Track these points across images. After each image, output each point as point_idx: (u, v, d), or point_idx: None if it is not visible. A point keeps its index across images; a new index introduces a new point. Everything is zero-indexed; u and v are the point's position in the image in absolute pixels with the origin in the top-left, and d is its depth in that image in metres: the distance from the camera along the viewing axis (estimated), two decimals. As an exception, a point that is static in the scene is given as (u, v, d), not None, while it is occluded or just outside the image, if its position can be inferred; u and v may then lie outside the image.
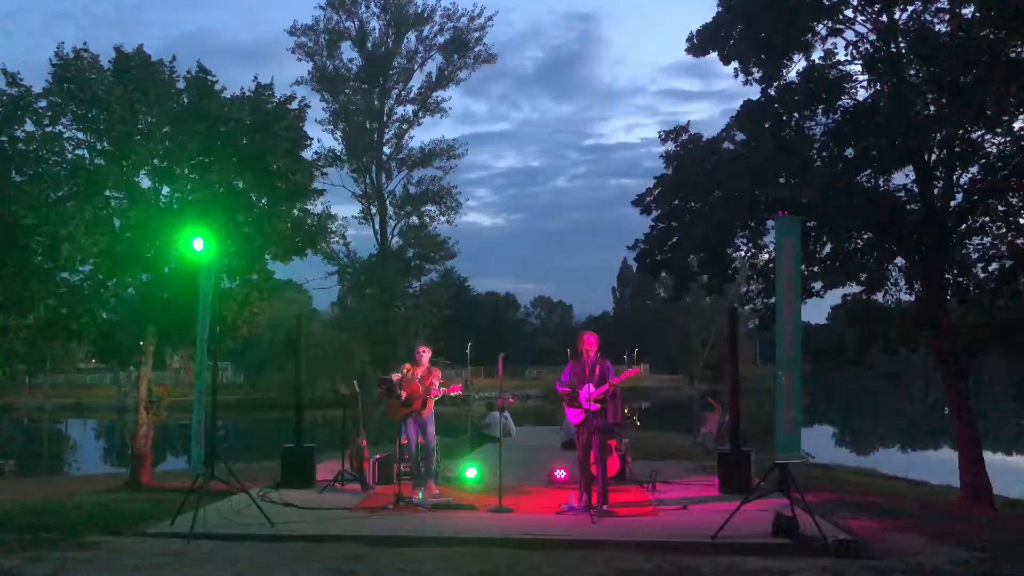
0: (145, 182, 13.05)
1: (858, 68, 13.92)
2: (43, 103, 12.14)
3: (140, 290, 13.12)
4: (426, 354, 10.38)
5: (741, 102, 14.64)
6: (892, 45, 13.61)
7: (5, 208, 11.46)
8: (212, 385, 9.05)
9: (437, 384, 10.05)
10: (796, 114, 14.21)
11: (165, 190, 13.23)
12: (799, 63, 14.36)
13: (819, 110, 14.06)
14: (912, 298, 13.94)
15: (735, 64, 14.54)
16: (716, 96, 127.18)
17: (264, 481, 10.98)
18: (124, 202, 12.83)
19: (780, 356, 7.65)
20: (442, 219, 53.51)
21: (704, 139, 14.99)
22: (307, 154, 14.07)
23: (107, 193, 12.52)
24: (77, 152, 12.53)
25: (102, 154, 12.57)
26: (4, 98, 11.95)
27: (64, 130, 12.39)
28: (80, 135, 12.55)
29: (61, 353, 49.77)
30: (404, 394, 10.05)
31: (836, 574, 6.47)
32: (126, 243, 12.41)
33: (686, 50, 15.06)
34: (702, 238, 14.39)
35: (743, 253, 15.17)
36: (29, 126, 12.09)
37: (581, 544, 7.44)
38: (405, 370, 10.24)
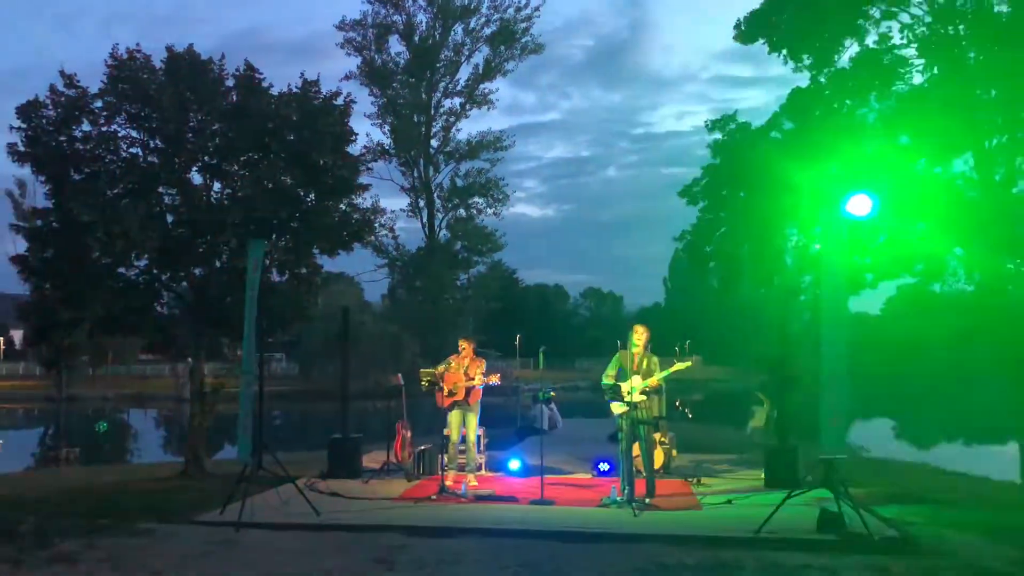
0: (196, 179, 13.32)
1: (913, 52, 13.59)
2: (99, 103, 12.48)
3: (193, 284, 13.43)
4: (468, 346, 10.44)
5: (791, 89, 14.43)
6: (950, 27, 13.23)
7: (64, 206, 11.84)
8: (259, 377, 9.19)
9: (479, 375, 10.11)
10: (848, 100, 13.92)
11: (216, 186, 13.50)
12: (851, 48, 14.07)
13: (872, 96, 13.75)
14: (971, 288, 13.58)
15: (784, 51, 14.31)
16: (770, 82, 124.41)
17: (313, 471, 11.19)
18: (176, 198, 13.13)
19: (825, 349, 7.51)
20: (489, 211, 53.76)
21: (752, 128, 14.79)
22: (355, 148, 14.21)
23: (160, 190, 12.82)
24: (131, 150, 12.83)
25: (155, 152, 12.88)
26: (63, 99, 12.32)
27: (119, 129, 12.71)
28: (134, 133, 12.85)
29: (121, 346, 51.37)
30: (447, 386, 10.15)
31: (882, 571, 6.32)
32: (179, 239, 12.70)
33: (734, 38, 14.88)
34: (751, 228, 14.23)
35: (791, 244, 14.95)
36: (86, 126, 12.44)
37: (622, 537, 7.41)
38: (451, 361, 10.34)
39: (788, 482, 9.27)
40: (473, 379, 10.06)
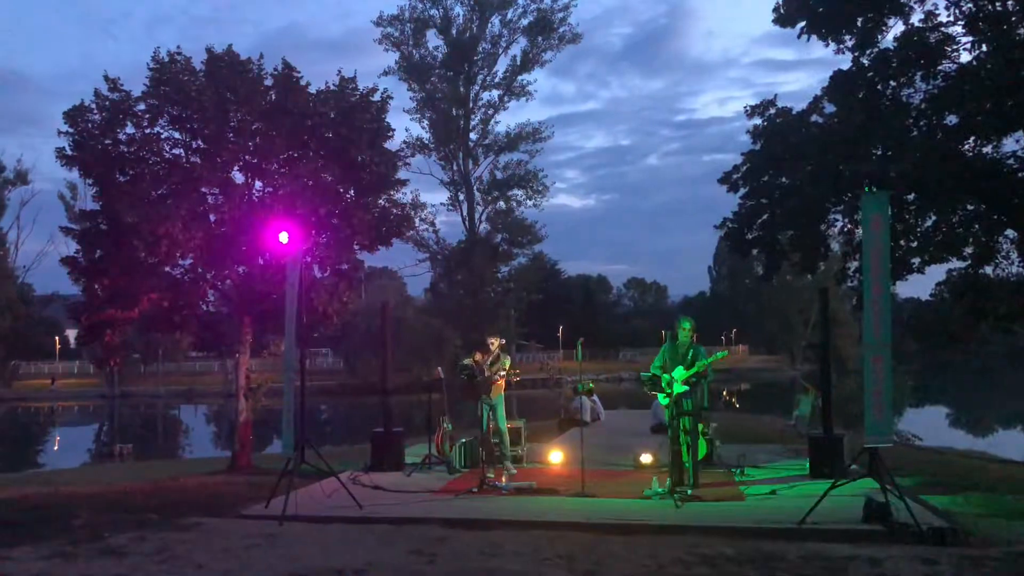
0: (238, 177, 13.53)
1: (960, 29, 13.18)
2: (142, 106, 12.74)
3: (237, 282, 13.65)
4: (496, 344, 10.56)
5: (833, 71, 14.09)
6: (997, 3, 12.82)
7: (110, 208, 12.12)
8: (302, 372, 9.31)
9: (499, 370, 10.28)
10: (892, 82, 13.56)
11: (257, 184, 13.70)
12: (895, 27, 13.69)
13: (917, 76, 13.37)
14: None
15: (825, 32, 13.98)
16: (814, 65, 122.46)
17: (357, 464, 11.32)
18: (219, 198, 13.34)
19: (868, 337, 7.35)
20: (529, 203, 53.79)
21: (793, 112, 14.49)
22: (394, 143, 14.30)
23: (203, 190, 13.05)
24: (174, 151, 13.10)
25: (197, 152, 13.11)
26: (107, 103, 12.61)
27: (161, 131, 12.98)
28: (176, 135, 13.11)
29: (171, 343, 52.50)
30: (468, 379, 10.36)
31: (930, 563, 6.17)
32: (222, 237, 12.91)
33: (773, 20, 14.56)
34: (792, 215, 13.96)
35: (837, 229, 14.65)
36: (130, 128, 12.72)
37: (663, 529, 7.36)
38: (476, 355, 10.49)
39: (833, 472, 9.13)
40: (494, 374, 10.29)
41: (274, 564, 6.35)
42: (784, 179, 14.13)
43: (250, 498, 8.98)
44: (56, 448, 31.71)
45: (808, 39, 13.93)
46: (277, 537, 7.29)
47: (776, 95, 14.66)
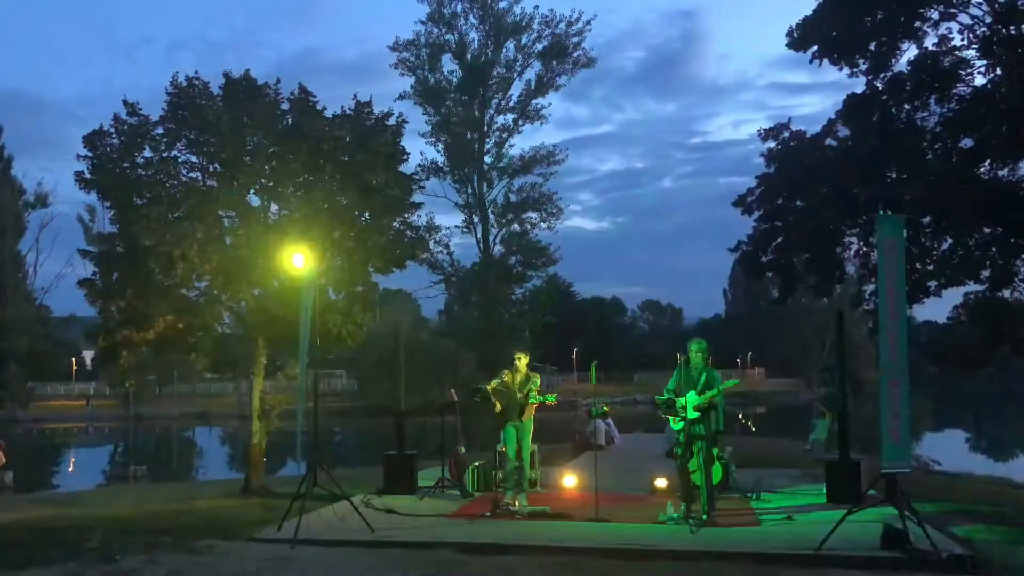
0: (254, 201, 13.62)
1: (974, 53, 13.18)
2: (160, 130, 12.89)
3: (251, 304, 13.70)
4: (523, 360, 10.19)
5: (848, 93, 14.12)
6: (1011, 27, 12.82)
7: (127, 230, 12.23)
8: (315, 395, 9.31)
9: (535, 392, 9.89)
10: (907, 105, 13.57)
11: (273, 208, 13.78)
12: (908, 51, 13.72)
13: (932, 100, 13.38)
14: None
15: (838, 57, 14.02)
16: (828, 88, 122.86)
17: (370, 487, 11.27)
18: (235, 220, 13.43)
19: (885, 361, 7.28)
20: (543, 225, 53.81)
21: (807, 135, 14.51)
22: (409, 166, 14.38)
23: (219, 212, 13.14)
24: (191, 175, 13.21)
25: (214, 175, 13.22)
26: (126, 127, 12.76)
27: (179, 154, 13.11)
28: (193, 158, 13.23)
29: (186, 365, 52.71)
30: (498, 403, 9.93)
31: (950, 591, 6.09)
32: (237, 260, 12.98)
33: (787, 45, 14.63)
34: (807, 238, 13.92)
35: (852, 252, 14.59)
36: (147, 152, 12.86)
37: (678, 554, 7.28)
38: (505, 375, 10.07)
39: (850, 497, 9.01)
40: (528, 397, 9.83)
41: (286, 588, 6.33)
42: (799, 202, 14.12)
43: (263, 521, 8.95)
44: (71, 469, 31.82)
45: (820, 63, 13.98)
46: (289, 561, 7.26)
47: (790, 118, 14.70)
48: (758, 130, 14.83)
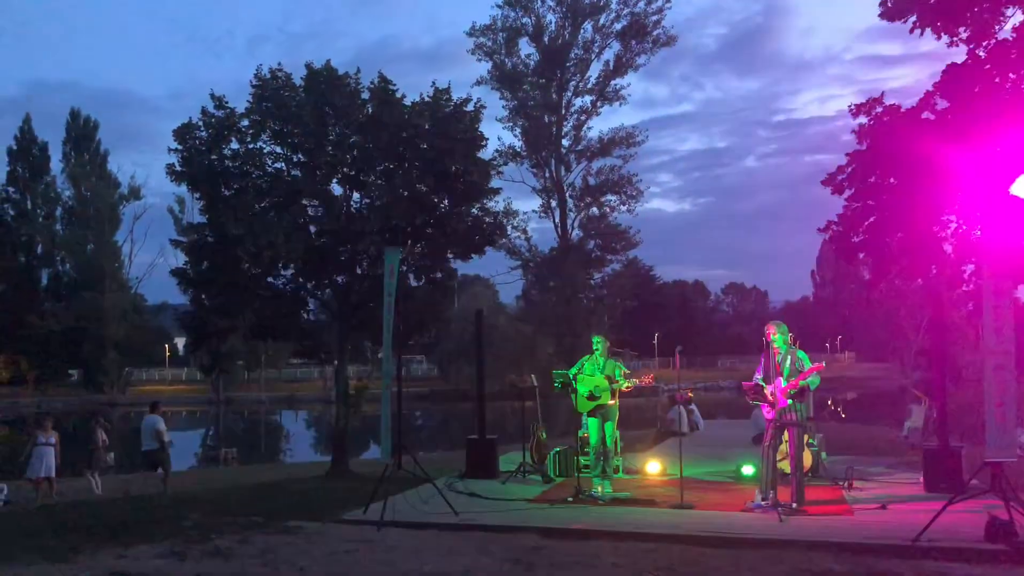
0: (336, 190, 13.88)
1: (1087, 14, 12.32)
2: (245, 122, 13.23)
3: (336, 291, 13.98)
4: (602, 345, 10.07)
5: (947, 64, 13.39)
6: None
7: (216, 221, 12.62)
8: (399, 379, 9.41)
9: (619, 377, 9.72)
10: (1012, 74, 12.78)
11: (355, 196, 14.02)
12: (1014, 17, 12.91)
13: (1040, 66, 12.57)
14: None
15: (940, 26, 13.29)
16: (922, 59, 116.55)
17: (451, 470, 11.38)
18: (319, 210, 13.71)
19: (987, 341, 6.90)
20: (623, 208, 53.17)
21: (902, 109, 13.84)
22: (487, 153, 14.41)
23: (303, 202, 13.44)
24: (276, 165, 13.55)
25: (297, 166, 13.51)
26: (213, 120, 13.14)
27: (264, 145, 13.44)
28: (278, 149, 13.56)
29: (273, 350, 54.40)
30: (579, 388, 9.81)
31: (1062, 588, 5.74)
32: (321, 248, 13.25)
33: (880, 15, 13.94)
34: (903, 216, 13.31)
35: (950, 232, 13.89)
36: (234, 144, 13.23)
37: (766, 543, 7.07)
38: (585, 362, 9.96)
39: (950, 487, 8.62)
40: (617, 381, 9.66)
41: (373, 569, 6.42)
42: (893, 179, 13.49)
43: (349, 503, 9.12)
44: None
45: (921, 33, 13.27)
46: (375, 542, 7.38)
47: (883, 92, 14.00)
48: (848, 106, 14.18)
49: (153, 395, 61.88)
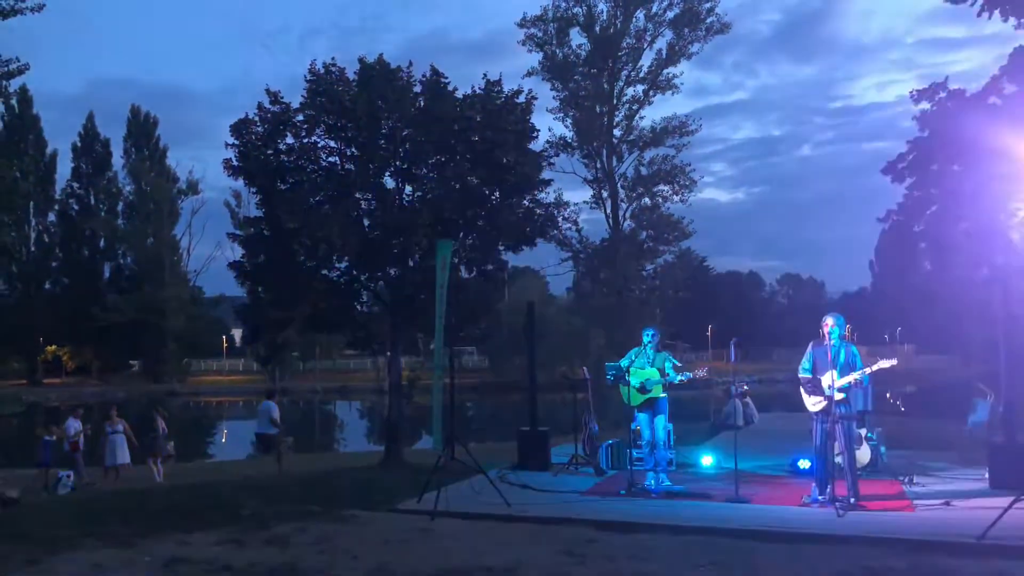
0: (389, 183, 14.00)
1: None
2: (300, 116, 13.41)
3: (389, 283, 14.11)
4: (654, 338, 9.96)
5: (1014, 47, 12.95)
6: None
7: (272, 215, 12.83)
8: (451, 370, 9.47)
9: (670, 370, 9.62)
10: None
11: (407, 189, 14.12)
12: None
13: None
14: None
15: (1009, 8, 12.85)
16: (986, 42, 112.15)
17: (503, 462, 11.41)
18: (372, 203, 13.84)
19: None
20: (675, 198, 52.35)
21: (966, 94, 13.43)
22: (538, 143, 14.37)
23: (357, 195, 13.58)
24: (330, 159, 13.71)
25: (351, 159, 13.65)
26: (268, 115, 13.35)
27: (318, 140, 13.61)
28: (332, 143, 13.71)
29: (327, 341, 55.16)
30: (631, 381, 9.75)
31: None
32: (374, 241, 13.39)
33: (944, -1, 13.55)
34: (967, 205, 12.94)
35: (1019, 218, 13.45)
36: (289, 139, 13.42)
37: (823, 539, 6.94)
38: (634, 356, 9.88)
39: (1018, 484, 8.35)
40: (668, 375, 9.54)
41: (427, 558, 6.48)
42: (957, 167, 13.12)
43: (402, 492, 9.22)
44: (224, 440, 34.02)
45: (989, 16, 12.85)
46: (429, 532, 7.45)
47: (947, 77, 13.60)
48: (910, 91, 13.83)
49: (213, 385, 63.59)
